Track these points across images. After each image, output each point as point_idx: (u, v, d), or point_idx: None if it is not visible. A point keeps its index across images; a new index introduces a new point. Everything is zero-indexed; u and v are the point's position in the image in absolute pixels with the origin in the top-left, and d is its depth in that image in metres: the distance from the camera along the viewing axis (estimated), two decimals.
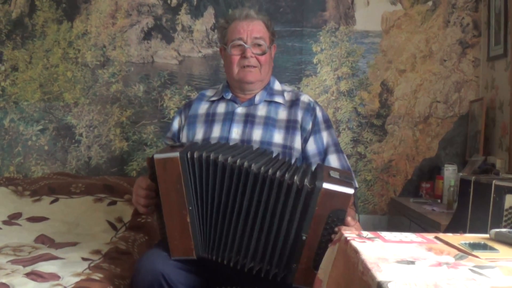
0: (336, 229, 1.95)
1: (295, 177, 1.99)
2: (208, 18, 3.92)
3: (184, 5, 3.94)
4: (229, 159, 2.05)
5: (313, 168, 2.25)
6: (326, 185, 1.96)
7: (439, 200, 3.50)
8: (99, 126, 3.95)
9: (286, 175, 2.00)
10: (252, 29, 2.49)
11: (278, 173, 2.00)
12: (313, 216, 1.97)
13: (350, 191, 1.96)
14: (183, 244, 2.12)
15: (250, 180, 2.03)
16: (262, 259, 2.07)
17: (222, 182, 2.07)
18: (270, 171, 2.02)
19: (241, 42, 2.48)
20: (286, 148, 2.42)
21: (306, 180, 1.98)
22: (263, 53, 2.50)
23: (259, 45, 2.50)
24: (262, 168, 2.02)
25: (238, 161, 2.04)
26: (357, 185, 2.50)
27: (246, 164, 2.03)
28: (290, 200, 1.99)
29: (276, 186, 2.01)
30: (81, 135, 3.96)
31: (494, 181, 2.06)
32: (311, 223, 1.97)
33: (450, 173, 3.45)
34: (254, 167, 2.02)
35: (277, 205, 2.01)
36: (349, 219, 1.98)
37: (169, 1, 3.94)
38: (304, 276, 2.01)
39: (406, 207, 3.43)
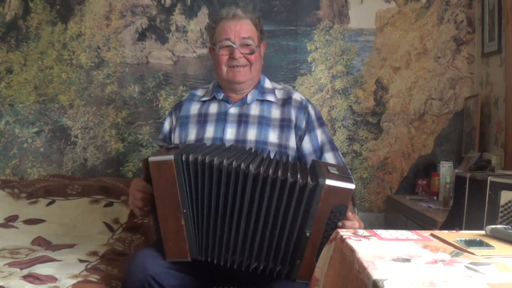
0: (339, 223, 1.98)
1: (298, 176, 1.99)
2: (202, 18, 3.92)
3: (178, 5, 3.93)
4: (225, 161, 2.03)
5: (309, 165, 2.24)
6: (328, 182, 1.97)
7: (435, 197, 3.51)
8: (95, 128, 3.95)
9: (288, 174, 2.00)
10: (240, 29, 2.47)
11: (279, 173, 2.00)
12: (316, 213, 1.98)
13: (352, 186, 1.98)
14: (177, 247, 2.11)
15: (249, 182, 2.01)
16: (266, 258, 2.07)
17: (219, 185, 2.05)
18: (270, 171, 2.01)
19: (229, 43, 2.46)
20: (282, 147, 2.41)
21: (308, 178, 1.98)
22: (252, 53, 2.48)
23: (247, 44, 2.48)
24: (261, 169, 2.01)
25: (234, 163, 2.02)
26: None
27: (243, 165, 2.01)
28: (294, 199, 2.00)
29: (279, 186, 2.00)
30: (76, 136, 3.96)
31: (489, 178, 2.07)
32: (314, 220, 1.99)
33: (446, 170, 3.46)
34: (252, 168, 2.00)
35: (279, 204, 2.01)
36: (349, 214, 1.99)
37: (163, 2, 3.94)
38: (307, 271, 2.00)
39: (402, 205, 3.44)
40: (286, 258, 2.05)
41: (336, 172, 2.05)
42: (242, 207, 2.05)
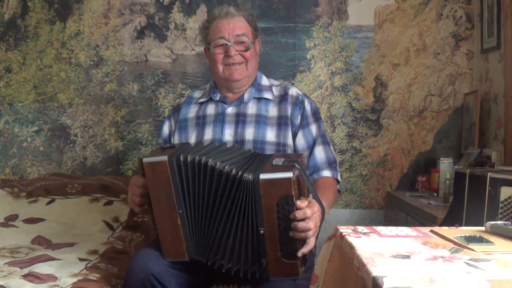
0: (291, 215, 1.94)
1: (239, 172, 2.00)
2: (200, 16, 3.90)
3: (177, 3, 3.93)
4: (218, 163, 2.04)
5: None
6: (263, 176, 1.94)
7: (435, 194, 3.50)
8: (94, 126, 3.94)
9: (228, 168, 2.01)
10: (234, 27, 2.47)
11: (226, 167, 2.02)
12: (263, 209, 1.95)
13: (288, 174, 1.92)
14: (175, 247, 2.12)
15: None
16: (230, 258, 2.07)
17: (211, 186, 2.06)
18: (226, 166, 2.02)
19: (224, 41, 2.46)
20: (280, 145, 2.41)
21: (247, 175, 1.98)
22: (247, 49, 2.49)
23: (242, 42, 2.48)
24: (218, 164, 2.03)
25: (227, 166, 2.03)
26: (338, 178, 2.47)
27: (234, 170, 2.02)
28: (232, 196, 2.01)
29: (224, 180, 2.03)
30: (76, 135, 3.95)
31: (489, 174, 2.07)
32: (264, 216, 1.96)
33: (445, 166, 3.45)
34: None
35: (229, 201, 2.03)
36: (298, 202, 1.95)
37: (161, 0, 3.93)
38: (278, 268, 2.00)
39: (402, 201, 3.44)
40: (248, 257, 2.04)
41: (280, 163, 2.00)
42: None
